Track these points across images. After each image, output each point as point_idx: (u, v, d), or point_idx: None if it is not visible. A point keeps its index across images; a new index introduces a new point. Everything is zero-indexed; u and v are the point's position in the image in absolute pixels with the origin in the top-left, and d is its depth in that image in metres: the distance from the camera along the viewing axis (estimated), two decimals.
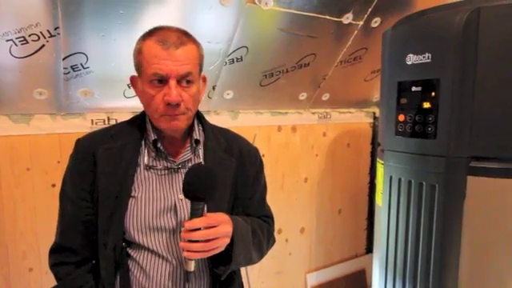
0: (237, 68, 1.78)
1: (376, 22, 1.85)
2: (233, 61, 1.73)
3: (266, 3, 1.54)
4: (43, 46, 1.32)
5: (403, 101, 1.34)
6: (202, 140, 1.00)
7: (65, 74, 1.44)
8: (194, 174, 0.86)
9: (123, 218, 0.90)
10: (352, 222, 2.62)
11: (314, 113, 2.33)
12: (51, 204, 1.56)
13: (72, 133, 1.60)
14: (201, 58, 0.94)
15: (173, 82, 0.85)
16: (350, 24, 1.81)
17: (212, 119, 1.91)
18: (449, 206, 1.22)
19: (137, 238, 0.91)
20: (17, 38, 1.26)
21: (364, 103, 2.49)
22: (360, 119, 2.55)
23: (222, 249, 0.88)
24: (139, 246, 0.92)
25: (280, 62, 1.86)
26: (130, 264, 0.92)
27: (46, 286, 1.60)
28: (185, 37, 0.89)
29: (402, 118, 1.34)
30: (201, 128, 1.03)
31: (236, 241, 0.90)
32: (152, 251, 0.92)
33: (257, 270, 2.20)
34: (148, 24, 1.38)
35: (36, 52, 1.33)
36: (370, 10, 1.76)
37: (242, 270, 2.07)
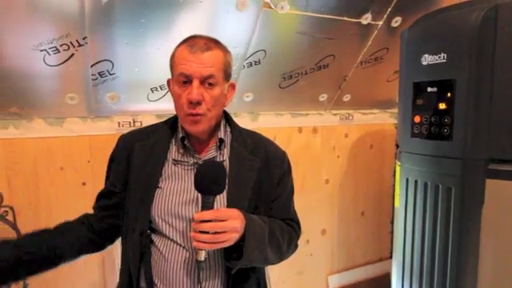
0: (255, 71, 1.82)
1: (397, 21, 1.82)
2: (251, 64, 1.78)
3: (282, 7, 1.57)
4: (73, 54, 1.43)
5: (419, 102, 1.32)
6: (228, 140, 1.06)
7: (93, 80, 1.54)
8: (204, 170, 0.92)
9: (150, 207, 0.99)
10: (376, 225, 2.57)
11: (335, 114, 2.32)
12: (81, 201, 1.68)
13: (100, 135, 1.71)
14: (227, 64, 1.00)
15: (196, 82, 0.93)
16: (369, 24, 1.79)
17: None
18: (466, 210, 1.19)
19: (160, 225, 0.99)
20: (50, 48, 1.38)
21: (387, 104, 2.44)
22: (384, 120, 2.50)
23: (231, 243, 0.91)
24: (161, 234, 1.00)
25: (299, 64, 1.88)
26: (153, 250, 1.00)
27: (75, 278, 1.72)
28: (212, 43, 0.97)
29: (417, 119, 1.32)
30: (228, 129, 1.08)
31: (248, 237, 0.93)
32: (172, 239, 0.99)
33: (277, 270, 2.22)
34: (167, 31, 1.47)
35: (67, 60, 1.44)
36: (389, 9, 1.74)
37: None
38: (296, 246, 1.16)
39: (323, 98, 2.16)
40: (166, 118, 1.11)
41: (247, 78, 1.84)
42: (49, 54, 1.40)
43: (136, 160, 1.03)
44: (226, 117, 1.10)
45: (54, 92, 1.53)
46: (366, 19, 1.76)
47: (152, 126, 1.12)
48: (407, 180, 1.39)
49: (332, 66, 1.96)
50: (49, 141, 1.63)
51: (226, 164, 1.03)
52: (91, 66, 1.50)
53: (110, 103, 1.67)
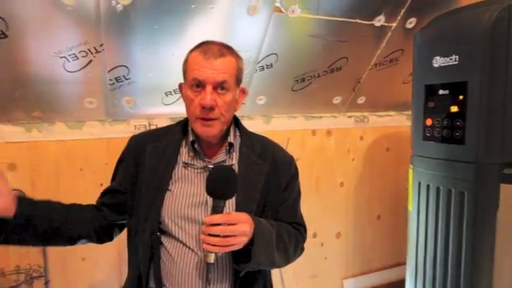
0: (267, 74, 1.83)
1: (411, 22, 1.79)
2: (263, 68, 1.79)
3: (293, 11, 1.58)
4: (91, 61, 1.49)
5: (431, 104, 1.30)
6: (237, 144, 1.07)
7: (110, 84, 1.60)
8: (216, 174, 0.93)
9: (160, 208, 1.01)
10: (392, 229, 2.53)
11: (350, 116, 2.30)
12: None
13: (118, 137, 1.77)
14: (239, 70, 1.02)
15: (209, 88, 0.95)
16: (382, 26, 1.78)
17: (245, 124, 1.98)
18: (479, 215, 1.16)
19: (170, 227, 1.01)
20: (69, 55, 1.45)
21: (404, 106, 2.40)
22: (400, 122, 2.46)
23: (240, 246, 0.93)
24: (171, 235, 1.02)
25: (311, 67, 1.88)
26: (162, 251, 1.02)
27: (96, 273, 1.78)
28: (226, 49, 0.99)
29: (429, 122, 1.30)
30: (238, 133, 1.10)
31: (256, 241, 0.95)
32: (181, 241, 1.01)
33: (291, 272, 2.22)
34: (180, 37, 1.51)
35: (85, 66, 1.51)
36: (403, 11, 1.72)
37: (276, 271, 2.12)
38: (302, 250, 1.16)
39: (337, 100, 2.15)
40: (167, 123, 1.14)
41: (260, 81, 1.86)
42: (68, 61, 1.46)
43: (148, 162, 1.05)
44: (236, 121, 1.12)
45: (74, 97, 1.61)
46: (379, 21, 1.74)
47: (163, 128, 1.15)
48: (419, 184, 1.37)
49: (345, 68, 1.95)
50: (69, 143, 1.71)
51: (235, 168, 1.04)
52: (108, 72, 1.56)
53: (126, 107, 1.73)
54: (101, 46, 1.46)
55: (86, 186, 1.75)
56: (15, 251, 1.67)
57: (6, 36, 1.32)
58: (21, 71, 1.44)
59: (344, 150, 2.32)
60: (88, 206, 1.10)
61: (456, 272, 1.23)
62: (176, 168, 1.04)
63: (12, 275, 1.64)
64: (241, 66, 1.03)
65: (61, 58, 1.44)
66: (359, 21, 1.70)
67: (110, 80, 1.59)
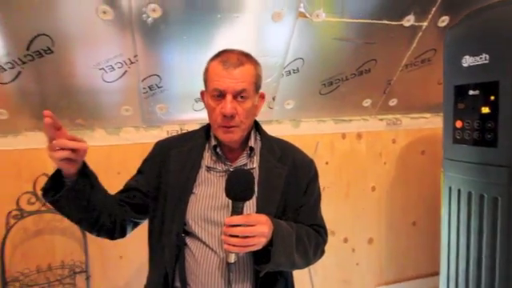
0: (294, 79, 1.85)
1: (444, 20, 1.73)
2: (289, 72, 1.81)
3: (318, 15, 1.59)
4: (126, 71, 1.60)
5: (460, 106, 1.25)
6: (257, 148, 1.11)
7: (144, 93, 1.70)
8: (234, 177, 0.96)
9: (185, 210, 1.05)
10: (429, 236, 2.42)
11: (381, 119, 2.25)
12: None
13: (152, 142, 1.85)
14: (257, 77, 1.05)
15: (229, 97, 0.98)
16: (412, 26, 1.73)
17: (274, 128, 2.04)
18: None
19: (193, 228, 1.05)
20: (106, 67, 1.56)
21: (440, 108, 2.29)
22: (436, 124, 2.35)
23: (259, 247, 0.96)
24: (195, 236, 1.06)
25: (338, 70, 1.87)
26: (186, 251, 1.07)
27: (132, 270, 1.89)
28: (244, 58, 1.02)
29: (459, 124, 1.25)
30: (258, 137, 1.14)
31: (275, 242, 0.97)
32: (204, 242, 1.05)
33: (322, 276, 2.20)
34: (207, 46, 1.57)
35: (121, 77, 1.62)
36: (434, 9, 1.66)
37: (306, 274, 2.12)
38: (323, 252, 1.16)
39: (367, 103, 2.12)
40: (198, 128, 1.18)
41: (287, 86, 1.88)
42: (106, 72, 1.58)
43: (172, 165, 1.09)
44: (256, 125, 1.15)
45: (112, 105, 1.72)
46: (409, 21, 1.69)
47: (187, 133, 1.21)
48: (450, 189, 1.32)
49: (374, 70, 1.92)
50: (108, 148, 1.83)
51: (256, 171, 1.07)
52: (142, 81, 1.66)
53: (159, 113, 1.82)
54: (135, 57, 1.56)
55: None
56: (61, 248, 1.82)
57: (52, 51, 1.45)
58: (65, 83, 1.58)
59: (375, 154, 2.27)
60: (114, 196, 1.12)
61: (490, 281, 1.17)
62: (199, 172, 1.08)
63: (58, 270, 1.79)
64: (259, 72, 1.05)
65: (99, 69, 1.56)
66: (386, 22, 1.67)
67: (144, 89, 1.69)
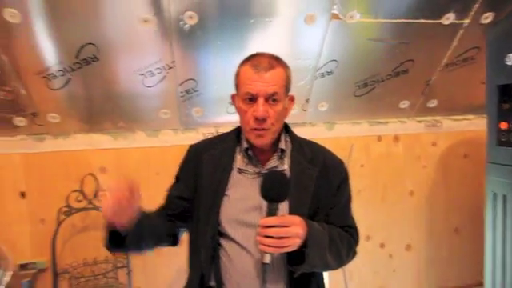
0: (328, 81, 1.84)
1: (487, 17, 1.64)
2: (323, 75, 1.81)
3: (351, 17, 1.58)
4: (165, 76, 1.68)
5: (505, 106, 1.19)
6: (288, 150, 1.12)
7: (181, 97, 1.78)
8: (270, 179, 0.98)
9: (218, 212, 1.08)
10: (472, 244, 2.29)
11: (419, 121, 2.17)
12: None
13: (189, 144, 1.93)
14: (288, 80, 1.07)
15: (261, 100, 1.00)
16: (452, 24, 1.66)
17: (307, 131, 2.04)
18: None
19: (227, 230, 1.07)
20: (146, 72, 1.65)
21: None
22: (479, 126, 2.22)
23: (294, 248, 0.96)
24: (229, 238, 1.08)
25: (373, 71, 1.84)
26: (221, 252, 1.09)
27: (170, 267, 1.96)
28: (275, 61, 1.03)
29: (504, 125, 1.19)
30: (288, 139, 1.15)
31: (309, 243, 0.98)
32: (238, 243, 1.07)
33: (358, 282, 2.16)
34: (241, 50, 1.61)
35: (160, 81, 1.70)
36: (476, 6, 1.59)
37: (340, 279, 2.08)
38: (355, 253, 1.16)
39: (404, 104, 2.05)
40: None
41: (321, 88, 1.87)
42: (146, 77, 1.67)
43: (205, 169, 1.12)
44: (286, 127, 1.16)
45: (151, 108, 1.81)
46: (448, 19, 1.63)
47: (218, 136, 1.24)
48: (494, 195, 1.25)
49: (412, 71, 1.86)
50: (148, 150, 1.92)
51: (287, 173, 1.08)
52: (179, 85, 1.73)
53: (195, 116, 1.89)
54: (172, 62, 1.63)
55: (162, 189, 1.93)
56: None
57: (98, 59, 1.56)
58: (109, 88, 1.69)
59: (414, 157, 2.19)
60: (161, 214, 1.17)
61: None
62: (231, 174, 1.10)
63: (102, 264, 1.90)
64: (289, 75, 1.06)
65: (140, 75, 1.65)
66: (424, 20, 1.62)
67: (181, 92, 1.76)
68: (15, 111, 1.69)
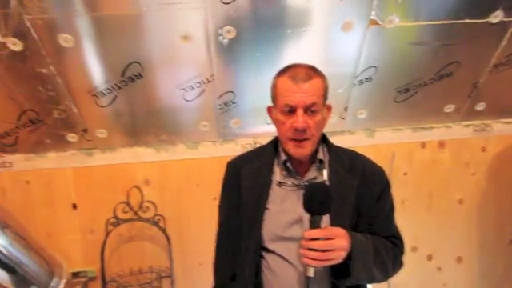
0: (367, 88, 1.81)
1: None
2: (362, 81, 1.78)
3: (391, 21, 1.54)
4: (204, 90, 1.73)
5: None
6: (326, 160, 1.10)
7: (219, 109, 1.82)
8: (312, 191, 0.97)
9: (260, 227, 1.07)
10: None
11: (467, 125, 2.06)
12: (212, 214, 1.94)
13: (227, 155, 1.93)
14: (325, 89, 1.05)
15: (300, 111, 0.99)
16: (501, 22, 1.57)
17: (346, 139, 2.00)
18: None
19: (269, 244, 1.07)
20: (187, 87, 1.71)
21: None
22: None
23: (338, 261, 0.95)
24: (272, 252, 1.08)
25: (415, 76, 1.78)
26: (265, 266, 1.09)
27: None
28: (312, 72, 1.03)
29: None
30: (326, 149, 1.13)
31: (354, 256, 0.96)
32: (281, 256, 1.06)
33: None
34: (278, 61, 1.63)
35: (200, 95, 1.75)
36: None
37: None
38: (401, 264, 1.12)
39: (449, 108, 1.96)
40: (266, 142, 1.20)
41: (359, 95, 1.84)
42: (186, 92, 1.72)
43: (244, 183, 1.12)
44: (323, 137, 1.13)
45: (191, 121, 1.87)
46: (496, 17, 1.55)
47: (255, 149, 1.23)
48: None
49: (457, 73, 1.78)
50: (188, 162, 1.98)
51: (326, 183, 1.06)
52: (218, 98, 1.77)
53: (233, 128, 1.92)
54: (212, 76, 1.68)
55: (202, 200, 1.98)
56: (149, 254, 2.00)
57: (142, 76, 1.64)
58: (151, 103, 1.76)
59: (461, 163, 2.07)
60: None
61: None
62: (271, 187, 1.09)
63: (147, 273, 1.96)
64: (326, 85, 1.05)
65: (180, 89, 1.71)
66: (469, 20, 1.55)
67: (220, 105, 1.80)
68: (68, 128, 1.81)
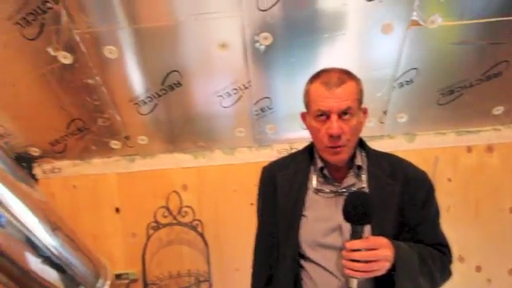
0: (408, 90, 1.75)
1: None
2: (402, 84, 1.72)
3: (433, 21, 1.49)
4: (241, 96, 1.75)
5: None
6: (364, 166, 1.06)
7: (256, 115, 1.83)
8: (351, 200, 0.93)
9: (297, 234, 1.06)
10: None
11: None
12: (250, 219, 1.95)
13: (263, 161, 1.93)
14: (360, 92, 1.02)
15: (334, 117, 0.97)
16: None
17: (385, 144, 1.94)
18: None
19: (307, 252, 1.05)
20: (224, 94, 1.74)
21: None
22: None
23: (383, 272, 0.92)
24: (310, 260, 1.06)
25: (460, 77, 1.70)
26: (303, 275, 1.07)
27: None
28: (345, 76, 1.00)
29: None
30: (364, 154, 1.09)
31: (398, 266, 0.92)
32: (321, 266, 1.04)
33: None
34: (314, 66, 1.61)
35: (236, 102, 1.77)
36: None
37: None
38: (450, 274, 1.06)
39: (498, 110, 1.85)
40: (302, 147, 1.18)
41: (399, 98, 1.78)
42: (223, 98, 1.75)
43: (280, 189, 1.10)
44: (360, 142, 1.10)
45: (228, 128, 1.89)
46: None
47: (290, 155, 1.21)
48: None
49: (507, 73, 1.68)
50: (225, 167, 2.00)
51: (366, 190, 1.02)
52: (254, 104, 1.78)
53: (269, 134, 1.92)
54: (248, 82, 1.70)
55: (239, 205, 2.00)
56: (188, 258, 2.04)
57: (181, 85, 1.69)
58: (189, 111, 1.81)
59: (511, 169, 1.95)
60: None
61: None
62: (307, 194, 1.07)
63: (185, 277, 2.00)
64: (361, 88, 1.02)
65: (218, 96, 1.74)
66: None
67: (256, 111, 1.81)
68: (111, 135, 1.89)
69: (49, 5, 1.41)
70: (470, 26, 1.52)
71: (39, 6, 1.41)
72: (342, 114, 0.96)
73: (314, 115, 1.00)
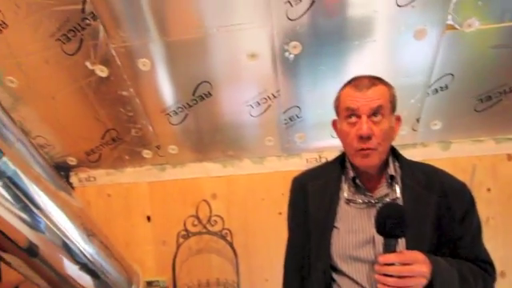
0: (442, 97, 1.69)
1: None
2: (436, 91, 1.67)
3: (470, 25, 1.43)
4: (270, 105, 1.75)
5: None
6: (398, 176, 1.03)
7: (285, 124, 1.82)
8: (384, 212, 0.90)
9: (329, 246, 1.03)
10: None
11: None
12: (278, 228, 1.93)
13: (292, 170, 1.94)
14: (392, 97, 1.00)
15: (364, 117, 0.94)
16: None
17: (419, 152, 1.88)
18: None
19: (339, 264, 1.02)
20: (253, 103, 1.75)
21: None
22: None
23: None
24: (342, 273, 1.03)
25: (498, 82, 1.62)
26: (336, 287, 1.05)
27: None
28: (376, 80, 0.99)
29: None
30: (397, 164, 1.06)
31: (436, 283, 0.87)
32: (352, 279, 1.01)
33: None
34: (344, 73, 1.59)
35: (265, 111, 1.77)
36: None
37: None
38: None
39: None
40: (336, 155, 1.15)
41: (433, 105, 1.72)
42: (253, 108, 1.76)
43: (311, 200, 1.08)
44: (394, 151, 1.06)
45: (257, 137, 1.90)
46: None
47: (321, 165, 1.19)
48: None
49: None
50: (253, 176, 2.00)
51: (400, 202, 0.99)
52: (283, 113, 1.78)
53: (298, 142, 1.91)
54: (277, 91, 1.70)
55: (267, 214, 1.99)
56: (217, 267, 2.04)
57: (211, 95, 1.71)
58: (219, 120, 1.83)
59: None
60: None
61: None
62: (339, 204, 1.05)
63: (214, 286, 2.00)
64: (393, 93, 0.99)
65: (247, 106, 1.75)
66: None
67: (285, 120, 1.80)
68: (143, 145, 1.95)
69: (88, 21, 1.48)
70: (508, 28, 1.45)
71: (79, 22, 1.48)
72: (373, 114, 0.94)
73: (343, 116, 0.99)
